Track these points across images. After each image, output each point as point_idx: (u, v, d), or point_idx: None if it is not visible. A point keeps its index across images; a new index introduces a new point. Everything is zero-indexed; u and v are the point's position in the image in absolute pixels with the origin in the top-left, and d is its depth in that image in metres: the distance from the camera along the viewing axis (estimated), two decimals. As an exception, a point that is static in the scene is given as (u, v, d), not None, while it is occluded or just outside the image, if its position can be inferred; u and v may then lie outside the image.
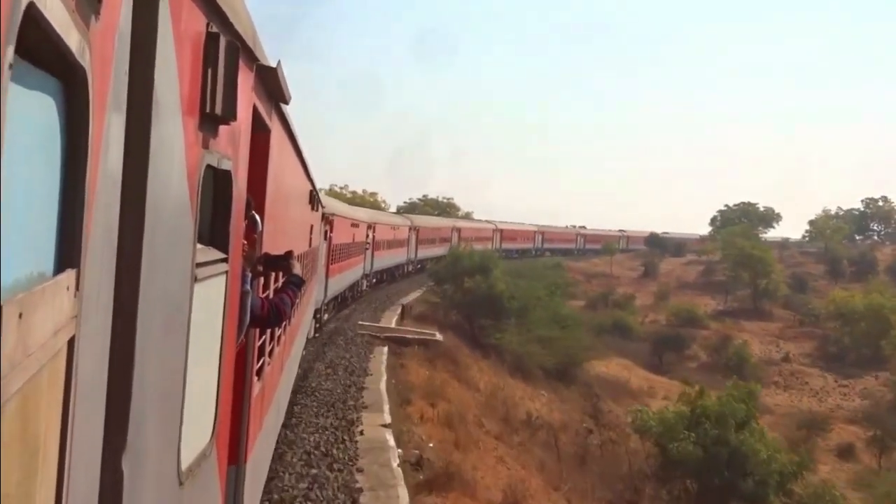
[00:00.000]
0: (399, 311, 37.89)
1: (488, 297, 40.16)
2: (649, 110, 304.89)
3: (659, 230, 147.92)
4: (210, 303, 3.49)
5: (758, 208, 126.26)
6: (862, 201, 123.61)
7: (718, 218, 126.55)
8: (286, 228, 8.24)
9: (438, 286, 43.82)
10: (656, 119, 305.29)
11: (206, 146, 3.11)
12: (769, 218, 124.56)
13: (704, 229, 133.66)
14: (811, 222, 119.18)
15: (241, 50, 3.49)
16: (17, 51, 1.32)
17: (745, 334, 71.83)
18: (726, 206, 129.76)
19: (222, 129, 3.36)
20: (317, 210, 15.57)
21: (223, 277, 3.71)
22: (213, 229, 3.63)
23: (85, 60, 1.71)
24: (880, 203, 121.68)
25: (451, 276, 42.73)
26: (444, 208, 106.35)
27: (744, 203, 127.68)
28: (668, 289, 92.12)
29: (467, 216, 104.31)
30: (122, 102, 2.18)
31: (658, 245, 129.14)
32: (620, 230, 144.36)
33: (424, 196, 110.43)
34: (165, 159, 2.51)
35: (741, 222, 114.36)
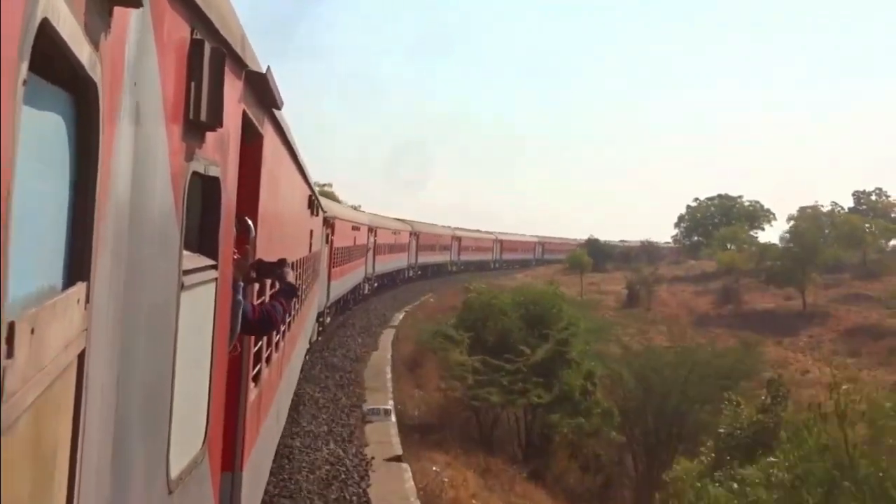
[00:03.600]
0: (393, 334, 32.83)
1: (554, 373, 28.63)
2: (591, 118, 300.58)
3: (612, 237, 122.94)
4: (199, 309, 3.48)
5: (741, 203, 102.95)
6: (853, 195, 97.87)
7: (687, 217, 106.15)
8: (282, 234, 8.22)
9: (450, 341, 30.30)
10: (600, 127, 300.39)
11: (191, 153, 3.10)
12: (757, 215, 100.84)
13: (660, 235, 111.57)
14: (793, 219, 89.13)
15: (228, 56, 3.48)
16: (31, 66, 1.32)
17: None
18: (697, 200, 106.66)
19: (209, 135, 3.35)
20: (317, 214, 15.54)
21: (212, 284, 3.70)
22: (201, 236, 3.62)
23: (96, 74, 1.72)
24: (873, 197, 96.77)
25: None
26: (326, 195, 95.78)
27: (721, 196, 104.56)
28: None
29: (356, 208, 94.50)
30: (133, 116, 2.19)
31: (600, 252, 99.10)
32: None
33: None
34: (148, 165, 2.50)
35: (716, 221, 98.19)
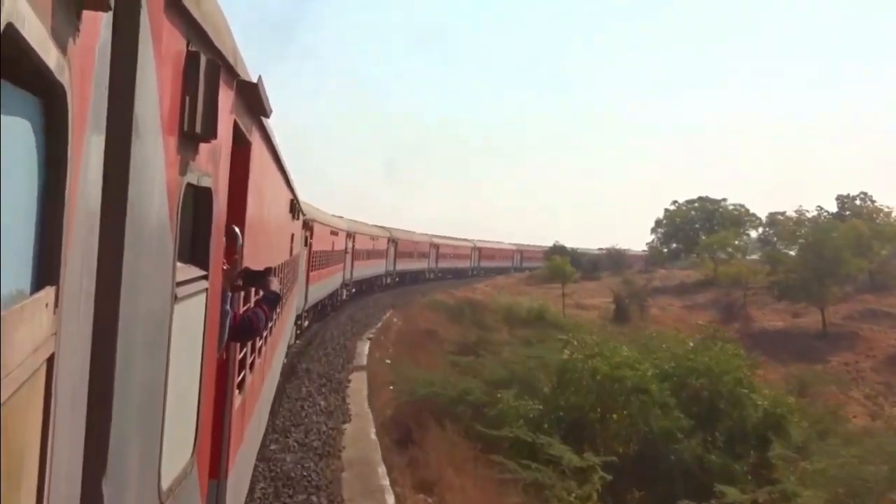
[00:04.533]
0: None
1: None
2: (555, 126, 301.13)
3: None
4: (190, 320, 3.50)
5: (725, 206, 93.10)
6: (836, 199, 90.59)
7: (665, 222, 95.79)
8: (267, 240, 8.22)
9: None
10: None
11: (186, 164, 3.11)
12: (741, 220, 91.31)
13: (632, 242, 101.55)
14: (772, 226, 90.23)
15: (222, 67, 3.50)
16: None
17: None
18: (676, 203, 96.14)
19: (202, 146, 3.36)
20: (297, 218, 15.54)
21: (204, 295, 3.71)
22: (193, 247, 3.64)
23: (64, 78, 1.72)
24: (857, 202, 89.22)
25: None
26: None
27: (702, 199, 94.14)
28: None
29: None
30: (103, 120, 2.19)
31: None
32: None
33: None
34: (146, 178, 2.52)
35: (697, 227, 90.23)
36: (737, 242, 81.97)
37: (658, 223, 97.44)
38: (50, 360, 1.75)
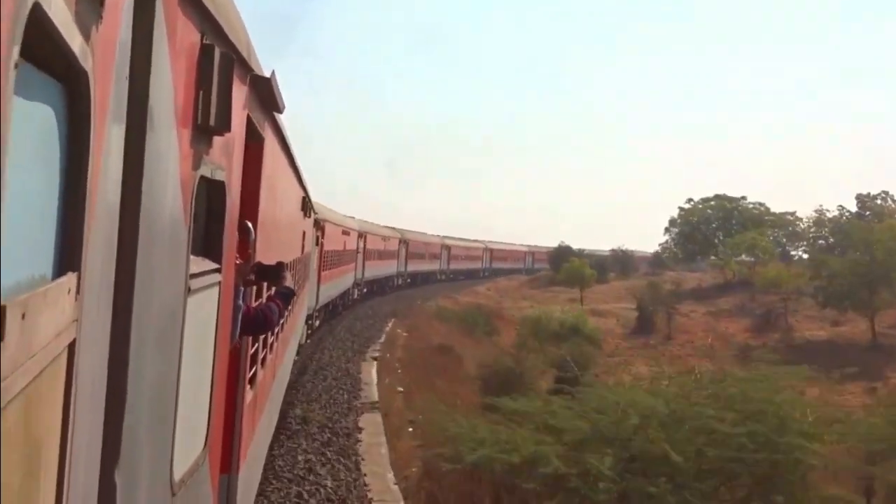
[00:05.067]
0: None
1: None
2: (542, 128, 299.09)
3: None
4: (203, 313, 3.51)
5: (744, 205, 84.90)
6: (856, 198, 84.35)
7: (679, 221, 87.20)
8: (279, 237, 8.25)
9: None
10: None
11: (200, 157, 3.12)
12: (762, 220, 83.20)
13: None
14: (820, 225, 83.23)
15: (236, 61, 3.51)
16: (21, 53, 1.32)
17: None
18: (691, 202, 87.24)
19: (216, 139, 3.37)
20: (309, 216, 15.57)
21: (216, 287, 3.72)
22: (206, 239, 3.65)
23: (88, 65, 1.71)
24: (879, 201, 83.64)
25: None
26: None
27: (719, 197, 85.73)
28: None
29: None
30: (123, 109, 2.20)
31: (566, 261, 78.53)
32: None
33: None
34: (160, 170, 2.53)
35: (714, 226, 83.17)
36: (765, 244, 74.54)
37: (672, 222, 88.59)
38: (71, 346, 1.75)
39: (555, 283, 71.37)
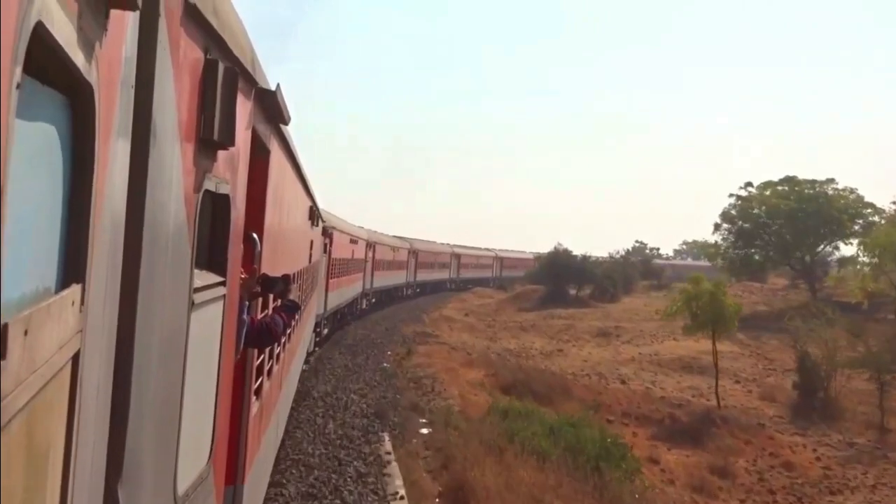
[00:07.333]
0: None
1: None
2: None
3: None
4: (208, 326, 3.51)
5: (834, 190, 60.60)
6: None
7: (736, 215, 61.60)
8: (286, 247, 8.26)
9: None
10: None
11: (204, 171, 3.14)
12: (854, 210, 59.44)
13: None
14: None
15: (240, 75, 3.53)
16: (25, 67, 1.33)
17: None
18: (749, 188, 62.68)
19: (221, 153, 3.39)
20: (317, 225, 15.62)
21: (221, 301, 3.73)
22: (211, 253, 3.66)
23: (92, 78, 1.73)
24: None
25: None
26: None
27: (790, 180, 61.21)
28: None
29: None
30: (128, 123, 2.21)
31: (564, 268, 63.00)
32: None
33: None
34: (164, 184, 2.54)
35: (778, 221, 58.45)
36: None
37: (725, 216, 63.11)
38: (75, 358, 1.76)
39: (549, 303, 56.76)
